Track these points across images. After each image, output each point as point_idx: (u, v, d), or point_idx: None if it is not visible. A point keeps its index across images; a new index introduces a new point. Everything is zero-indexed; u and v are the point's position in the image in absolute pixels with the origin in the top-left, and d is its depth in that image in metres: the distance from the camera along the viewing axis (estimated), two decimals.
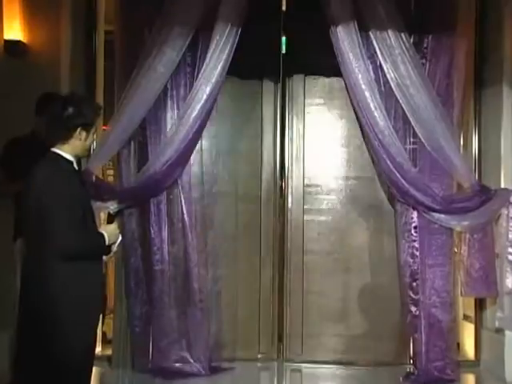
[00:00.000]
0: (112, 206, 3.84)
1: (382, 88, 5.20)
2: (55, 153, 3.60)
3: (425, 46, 5.24)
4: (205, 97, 5.13)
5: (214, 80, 5.13)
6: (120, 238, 3.64)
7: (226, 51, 5.12)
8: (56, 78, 5.31)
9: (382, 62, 5.15)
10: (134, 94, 5.17)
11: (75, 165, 3.65)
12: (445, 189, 5.18)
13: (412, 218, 5.23)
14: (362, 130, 5.39)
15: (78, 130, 3.60)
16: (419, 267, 5.17)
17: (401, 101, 5.15)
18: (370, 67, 5.17)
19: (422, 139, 5.17)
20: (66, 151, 3.61)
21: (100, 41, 5.70)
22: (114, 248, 3.61)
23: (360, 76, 5.10)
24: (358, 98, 5.14)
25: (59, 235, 3.38)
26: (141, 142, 5.32)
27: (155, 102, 5.21)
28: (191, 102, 5.16)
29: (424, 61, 5.24)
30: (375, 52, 5.16)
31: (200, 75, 5.16)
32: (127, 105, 5.14)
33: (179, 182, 5.27)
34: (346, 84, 5.23)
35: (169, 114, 5.29)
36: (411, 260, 5.23)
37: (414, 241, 5.24)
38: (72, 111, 3.56)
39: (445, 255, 5.19)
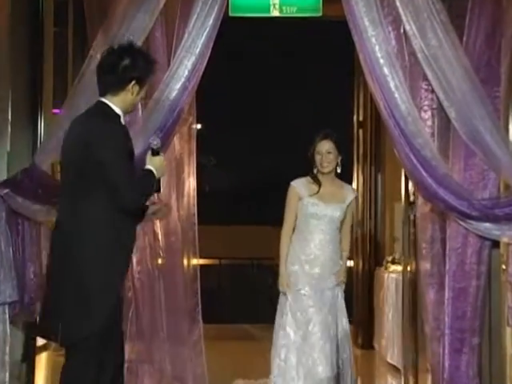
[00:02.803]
0: (154, 142, 3.88)
1: (406, 62, 4.97)
2: (104, 103, 3.78)
3: (460, 7, 5.00)
4: (186, 74, 4.94)
5: (197, 52, 4.94)
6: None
7: (213, 15, 4.93)
8: None
9: (407, 29, 4.89)
10: (95, 69, 4.73)
11: (122, 119, 3.82)
12: (486, 190, 4.95)
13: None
14: (379, 116, 5.19)
15: (132, 83, 3.76)
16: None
17: (429, 77, 4.91)
18: (391, 35, 4.94)
19: (456, 127, 4.92)
20: (115, 103, 3.77)
21: (48, 3, 5.46)
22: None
23: (377, 47, 4.88)
24: (374, 75, 4.92)
25: (123, 189, 3.64)
26: None
27: None
28: (169, 81, 4.94)
29: (459, 27, 4.97)
30: (397, 16, 4.92)
31: (180, 46, 4.95)
32: (86, 84, 4.86)
33: None
34: (359, 58, 5.00)
35: None
36: None
37: None
38: (128, 62, 3.74)
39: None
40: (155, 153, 3.78)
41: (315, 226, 4.71)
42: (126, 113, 3.88)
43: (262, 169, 16.47)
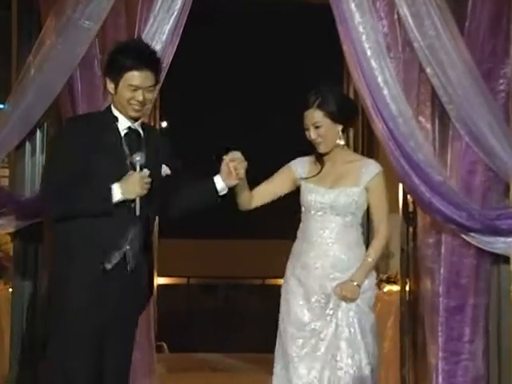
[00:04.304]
0: (137, 157, 3.80)
1: (400, 53, 5.00)
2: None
3: None
4: None
5: (164, 39, 4.94)
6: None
7: None
8: None
9: (401, 14, 4.92)
10: (45, 58, 4.97)
11: (124, 123, 3.83)
12: (489, 200, 5.00)
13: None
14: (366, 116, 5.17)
15: (107, 80, 3.83)
16: None
17: (426, 70, 4.95)
18: (383, 22, 4.96)
19: (457, 127, 4.97)
20: (114, 106, 3.86)
21: None
22: (137, 205, 3.76)
23: (364, 37, 4.89)
24: (359, 69, 4.94)
25: (40, 197, 3.97)
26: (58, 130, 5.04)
27: (81, 71, 5.05)
28: None
29: (460, 13, 5.03)
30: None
31: (144, 33, 4.93)
32: (36, 74, 4.92)
33: None
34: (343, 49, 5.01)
35: (100, 91, 5.06)
36: None
37: None
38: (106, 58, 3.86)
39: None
40: (137, 169, 3.77)
41: (314, 220, 4.10)
42: (129, 117, 3.86)
43: None
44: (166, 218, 4.10)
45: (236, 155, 3.90)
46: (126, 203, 3.72)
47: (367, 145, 7.66)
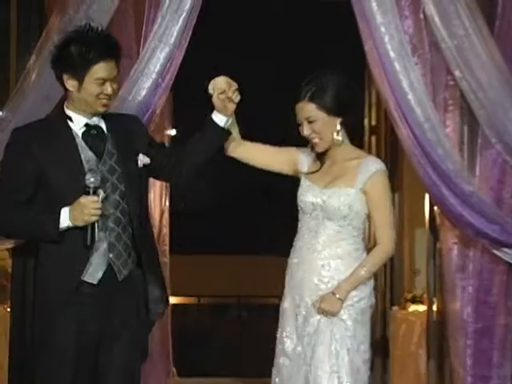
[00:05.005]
0: (91, 179, 3.70)
1: (427, 53, 5.00)
2: (62, 106, 3.89)
3: None
4: (158, 68, 4.92)
5: (172, 41, 4.92)
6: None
7: None
8: None
9: (427, 13, 4.94)
10: (47, 61, 4.62)
11: (78, 123, 3.81)
12: None
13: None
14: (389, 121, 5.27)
15: (65, 76, 3.80)
16: None
17: (455, 73, 4.97)
18: (408, 21, 4.98)
19: (487, 133, 4.98)
20: (67, 105, 3.85)
21: None
22: (88, 234, 3.69)
23: (387, 37, 4.89)
24: (383, 72, 4.95)
25: None
26: None
27: None
28: (138, 77, 4.93)
29: (490, 13, 5.04)
30: None
31: (151, 34, 4.94)
32: (36, 78, 4.94)
33: None
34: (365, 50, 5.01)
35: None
36: None
37: None
38: (57, 51, 3.86)
39: None
40: (90, 192, 3.70)
41: (305, 223, 3.90)
42: (96, 113, 3.85)
43: (251, 184, 16.45)
44: (184, 182, 4.07)
45: (219, 83, 3.89)
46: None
47: (390, 153, 7.68)
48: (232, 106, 3.95)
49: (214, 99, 3.94)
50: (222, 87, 3.92)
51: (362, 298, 3.88)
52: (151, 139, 4.06)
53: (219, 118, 3.96)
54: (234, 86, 3.93)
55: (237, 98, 3.94)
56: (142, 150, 3.90)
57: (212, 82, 3.92)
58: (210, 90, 3.95)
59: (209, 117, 3.98)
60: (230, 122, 3.99)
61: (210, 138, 3.98)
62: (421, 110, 4.89)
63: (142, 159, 3.88)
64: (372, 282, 3.95)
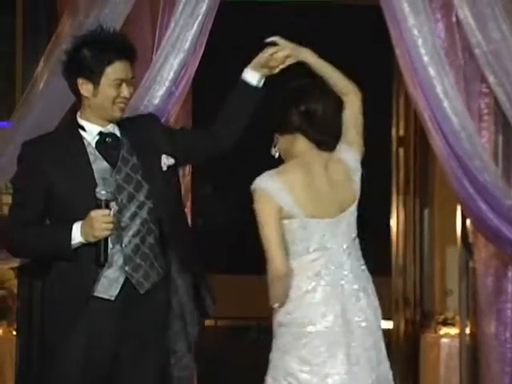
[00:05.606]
0: (102, 192, 3.73)
1: (460, 59, 5.03)
2: (75, 116, 3.93)
3: None
4: (172, 76, 4.96)
5: (187, 47, 4.96)
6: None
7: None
8: None
9: (460, 17, 4.96)
10: (55, 70, 4.81)
11: (92, 134, 3.84)
12: None
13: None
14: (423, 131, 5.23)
15: (80, 81, 3.82)
16: None
17: (490, 80, 4.96)
18: (440, 25, 5.01)
19: None
20: (80, 115, 3.88)
21: None
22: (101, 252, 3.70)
23: (421, 41, 4.91)
24: (415, 78, 4.98)
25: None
26: None
27: None
28: (150, 84, 4.97)
29: None
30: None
31: (164, 39, 4.99)
32: (44, 87, 5.00)
33: None
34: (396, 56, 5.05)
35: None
36: None
37: None
38: (71, 56, 3.90)
39: None
40: (102, 206, 3.71)
41: None
42: (111, 119, 3.88)
43: None
44: (224, 148, 4.13)
45: (282, 53, 3.96)
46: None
47: (420, 165, 7.70)
48: (271, 71, 4.02)
49: (263, 54, 4.01)
50: (282, 57, 3.97)
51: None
52: (174, 133, 4.08)
53: (251, 75, 3.99)
54: (287, 62, 3.99)
55: (278, 68, 4.01)
56: (167, 149, 3.91)
57: (279, 47, 4.00)
58: (269, 50, 4.01)
59: (240, 79, 4.02)
60: (262, 80, 4.04)
61: (244, 100, 4.04)
62: (456, 118, 4.92)
63: (166, 161, 3.88)
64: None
